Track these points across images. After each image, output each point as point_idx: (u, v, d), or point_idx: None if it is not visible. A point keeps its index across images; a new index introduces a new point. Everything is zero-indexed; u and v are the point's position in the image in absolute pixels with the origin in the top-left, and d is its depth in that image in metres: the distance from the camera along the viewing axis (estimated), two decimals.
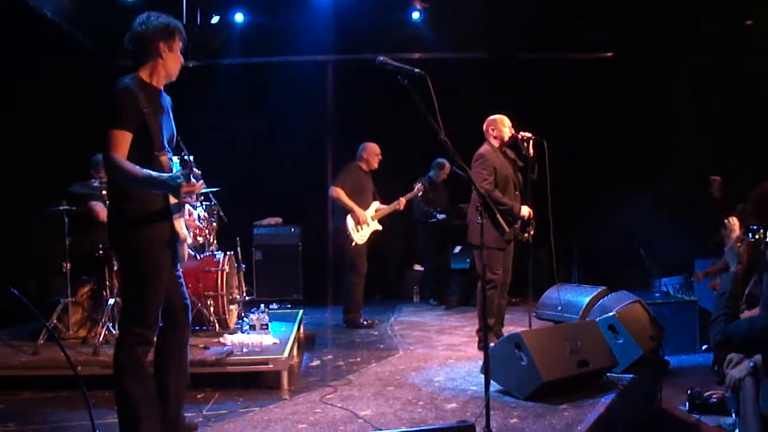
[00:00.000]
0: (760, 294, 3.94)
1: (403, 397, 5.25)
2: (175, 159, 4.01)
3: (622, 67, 10.41)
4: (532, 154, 6.73)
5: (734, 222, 4.10)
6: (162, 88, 4.00)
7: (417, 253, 10.90)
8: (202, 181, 3.69)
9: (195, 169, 3.66)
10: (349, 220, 8.17)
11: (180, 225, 3.88)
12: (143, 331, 3.81)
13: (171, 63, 3.94)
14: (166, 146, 3.90)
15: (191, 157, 3.65)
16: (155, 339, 3.96)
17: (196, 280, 6.55)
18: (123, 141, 3.67)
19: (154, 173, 3.66)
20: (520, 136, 6.79)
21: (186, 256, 4.00)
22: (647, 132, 10.12)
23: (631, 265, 9.37)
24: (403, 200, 8.57)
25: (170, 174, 3.65)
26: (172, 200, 3.84)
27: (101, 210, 6.71)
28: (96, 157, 6.80)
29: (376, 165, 8.43)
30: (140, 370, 3.82)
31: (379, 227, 8.42)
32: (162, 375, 4.01)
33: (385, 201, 8.54)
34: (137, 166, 3.65)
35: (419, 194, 9.02)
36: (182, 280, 4.12)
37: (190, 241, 4.03)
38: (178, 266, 4.07)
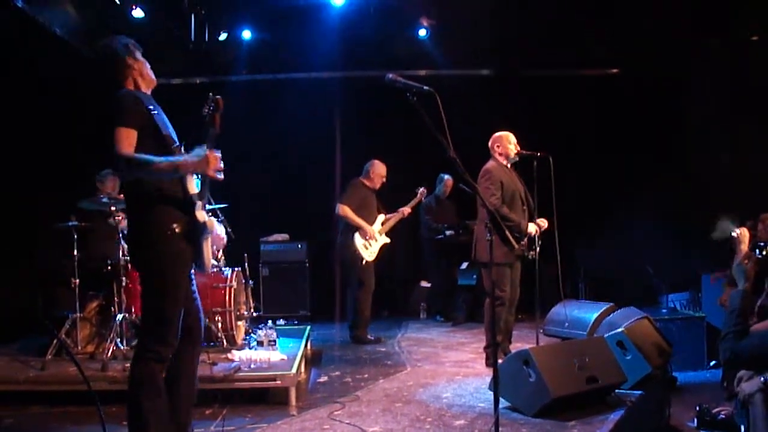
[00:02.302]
0: None
1: (411, 414, 5.24)
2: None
3: (628, 84, 10.43)
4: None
5: (744, 233, 4.09)
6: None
7: (423, 269, 10.89)
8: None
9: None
10: (357, 238, 8.19)
11: (202, 214, 3.90)
12: (161, 348, 3.83)
13: (144, 70, 4.05)
14: (176, 141, 3.95)
15: (219, 97, 3.72)
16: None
17: (204, 296, 6.48)
18: (129, 138, 3.73)
19: (175, 157, 3.74)
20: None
21: (210, 262, 4.01)
22: (653, 148, 10.13)
23: (637, 281, 9.35)
24: (407, 208, 8.61)
25: (194, 151, 3.71)
26: (192, 190, 3.89)
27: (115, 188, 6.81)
28: (102, 172, 6.84)
29: (378, 186, 8.47)
30: (154, 386, 3.83)
31: (387, 240, 8.45)
32: (172, 390, 4.01)
33: (388, 213, 8.58)
34: (153, 156, 3.71)
35: (422, 201, 9.08)
36: (197, 295, 4.13)
37: (212, 228, 4.05)
38: (194, 282, 4.08)
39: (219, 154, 3.77)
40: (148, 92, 4.07)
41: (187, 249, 3.87)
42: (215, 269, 6.90)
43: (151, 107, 3.84)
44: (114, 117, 3.76)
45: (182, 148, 3.96)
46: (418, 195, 8.82)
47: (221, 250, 7.23)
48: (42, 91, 7.74)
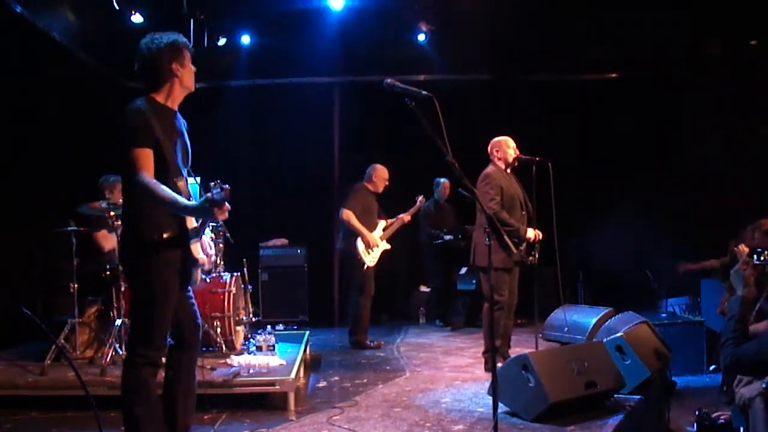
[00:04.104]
0: None
1: (410, 419, 5.23)
2: (192, 180, 4.01)
3: (627, 88, 10.44)
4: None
5: (743, 249, 4.10)
6: (177, 109, 3.99)
7: (423, 274, 10.89)
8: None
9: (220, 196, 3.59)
10: (359, 244, 8.19)
11: (197, 249, 3.88)
12: (150, 353, 3.81)
13: (186, 78, 3.95)
14: (182, 170, 3.91)
15: (227, 186, 3.52)
16: (164, 359, 3.96)
17: (203, 302, 6.53)
18: (147, 158, 3.68)
19: (183, 200, 3.66)
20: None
21: (199, 279, 4.01)
22: (652, 152, 10.14)
23: (637, 286, 9.36)
24: (407, 215, 8.62)
25: (200, 202, 3.59)
26: (190, 224, 3.86)
27: (105, 241, 6.77)
28: (106, 177, 6.83)
29: (381, 189, 8.47)
30: (147, 392, 3.82)
31: (388, 246, 8.45)
32: (170, 395, 4.00)
33: (389, 219, 8.58)
34: (167, 189, 3.64)
35: (422, 208, 9.10)
36: (193, 300, 4.11)
37: (207, 265, 4.03)
38: (189, 288, 4.07)
39: (227, 208, 3.62)
40: (176, 107, 3.98)
41: (178, 254, 3.85)
42: (214, 274, 6.90)
43: (160, 136, 3.72)
44: (127, 137, 3.69)
45: (186, 177, 3.94)
46: (417, 202, 8.83)
47: (219, 255, 7.22)
48: (41, 95, 7.75)
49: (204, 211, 3.60)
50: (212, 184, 3.53)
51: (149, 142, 3.70)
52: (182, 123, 4.05)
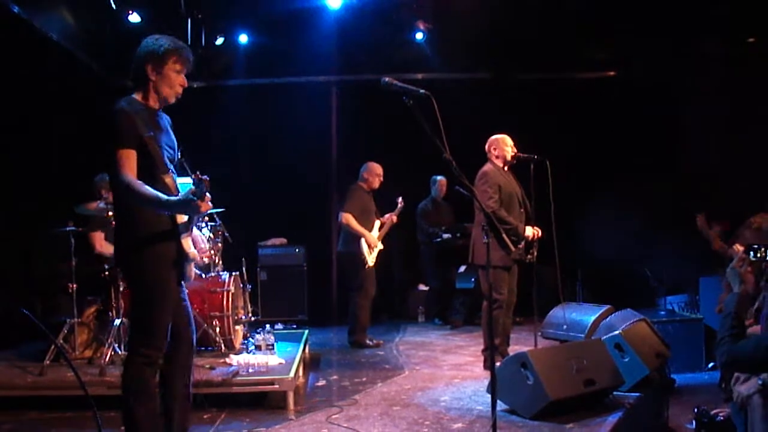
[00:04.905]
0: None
1: (410, 417, 5.24)
2: (183, 180, 4.01)
3: (625, 87, 10.44)
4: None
5: (738, 247, 4.11)
6: (160, 108, 3.99)
7: (421, 272, 10.89)
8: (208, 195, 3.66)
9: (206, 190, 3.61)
10: (364, 244, 8.20)
11: (188, 244, 3.88)
12: (150, 352, 3.81)
13: (162, 87, 3.90)
14: (169, 166, 3.91)
15: (207, 177, 3.59)
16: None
17: (201, 301, 6.56)
18: (130, 159, 3.69)
19: (164, 196, 3.67)
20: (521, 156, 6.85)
21: (193, 275, 4.01)
22: (649, 151, 10.13)
23: (635, 283, 9.36)
24: (394, 216, 8.62)
25: (183, 195, 3.64)
26: (180, 219, 3.86)
27: (100, 245, 6.77)
28: (101, 176, 6.83)
29: (377, 186, 8.47)
30: (147, 391, 3.82)
31: (381, 246, 8.45)
32: (166, 395, 4.00)
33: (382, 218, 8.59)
34: (149, 188, 3.66)
35: (420, 206, 9.07)
36: (187, 301, 4.11)
37: (199, 260, 4.03)
38: (183, 287, 4.07)
39: (209, 203, 3.63)
40: (157, 107, 3.96)
41: (172, 249, 3.85)
42: (213, 274, 6.90)
43: (145, 134, 3.73)
44: (111, 138, 3.70)
45: (174, 173, 3.95)
46: (399, 204, 8.78)
47: (218, 254, 7.22)
48: (39, 95, 7.74)
49: (187, 204, 3.60)
50: (193, 176, 3.55)
51: (132, 143, 3.70)
52: (166, 120, 4.06)
